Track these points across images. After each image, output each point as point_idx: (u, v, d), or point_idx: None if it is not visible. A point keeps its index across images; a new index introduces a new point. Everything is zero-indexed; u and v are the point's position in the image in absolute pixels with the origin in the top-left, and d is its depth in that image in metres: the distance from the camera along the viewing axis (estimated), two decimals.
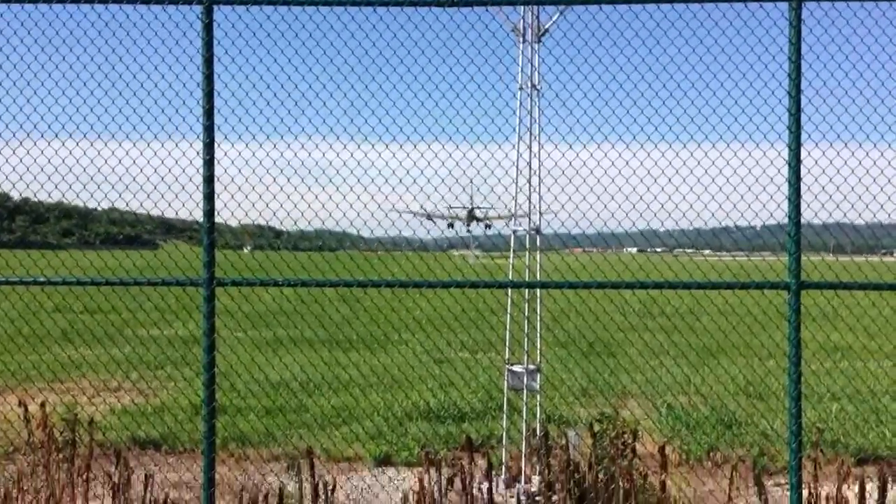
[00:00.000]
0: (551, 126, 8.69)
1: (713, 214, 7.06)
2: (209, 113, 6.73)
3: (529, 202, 8.91)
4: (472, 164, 7.19)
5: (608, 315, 13.48)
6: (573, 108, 7.18)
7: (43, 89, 7.18)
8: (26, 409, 6.80)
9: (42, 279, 7.01)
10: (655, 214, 7.11)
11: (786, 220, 6.67)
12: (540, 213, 8.91)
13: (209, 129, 6.73)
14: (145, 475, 6.81)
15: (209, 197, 6.74)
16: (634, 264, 8.38)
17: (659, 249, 10.71)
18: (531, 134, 8.82)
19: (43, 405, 6.77)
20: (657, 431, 11.11)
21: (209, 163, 6.73)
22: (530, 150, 8.84)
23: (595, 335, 18.38)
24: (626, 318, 22.34)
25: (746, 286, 6.85)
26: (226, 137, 6.96)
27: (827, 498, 6.68)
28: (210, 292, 6.77)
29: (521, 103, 8.82)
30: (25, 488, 6.71)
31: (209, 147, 6.73)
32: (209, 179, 6.74)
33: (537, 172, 8.84)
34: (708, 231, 7.98)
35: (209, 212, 6.74)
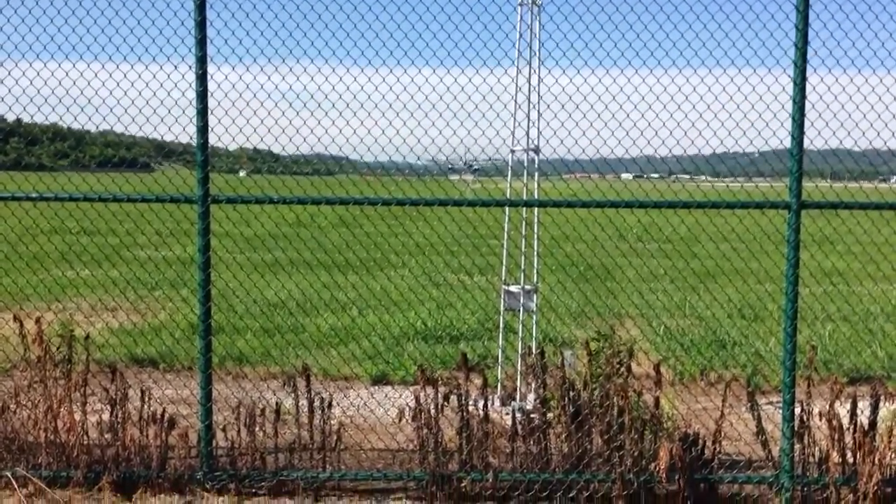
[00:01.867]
0: (552, 41, 8.54)
1: (715, 134, 6.95)
2: (201, 25, 6.60)
3: (528, 120, 8.78)
4: (470, 80, 7.05)
5: (607, 234, 13.44)
6: (575, 22, 7.03)
7: (31, 8, 6.99)
8: (22, 326, 6.80)
9: (35, 195, 6.94)
10: (657, 133, 7.02)
11: (785, 146, 6.59)
12: (539, 132, 8.79)
13: (201, 43, 6.63)
14: (142, 390, 6.85)
15: (202, 112, 6.68)
16: (634, 185, 8.31)
17: (656, 175, 10.64)
18: (531, 50, 8.65)
19: (38, 320, 6.76)
20: (653, 352, 11.19)
21: (202, 77, 6.65)
22: (530, 67, 8.67)
23: (594, 256, 18.38)
24: (625, 239, 22.36)
25: (746, 205, 6.81)
26: (218, 51, 6.81)
27: (819, 414, 6.75)
28: (205, 209, 6.74)
29: (521, 18, 8.62)
30: (24, 402, 6.76)
31: (201, 61, 6.63)
32: (202, 95, 6.67)
33: (537, 89, 8.70)
34: (707, 156, 7.88)
35: (202, 128, 6.69)
